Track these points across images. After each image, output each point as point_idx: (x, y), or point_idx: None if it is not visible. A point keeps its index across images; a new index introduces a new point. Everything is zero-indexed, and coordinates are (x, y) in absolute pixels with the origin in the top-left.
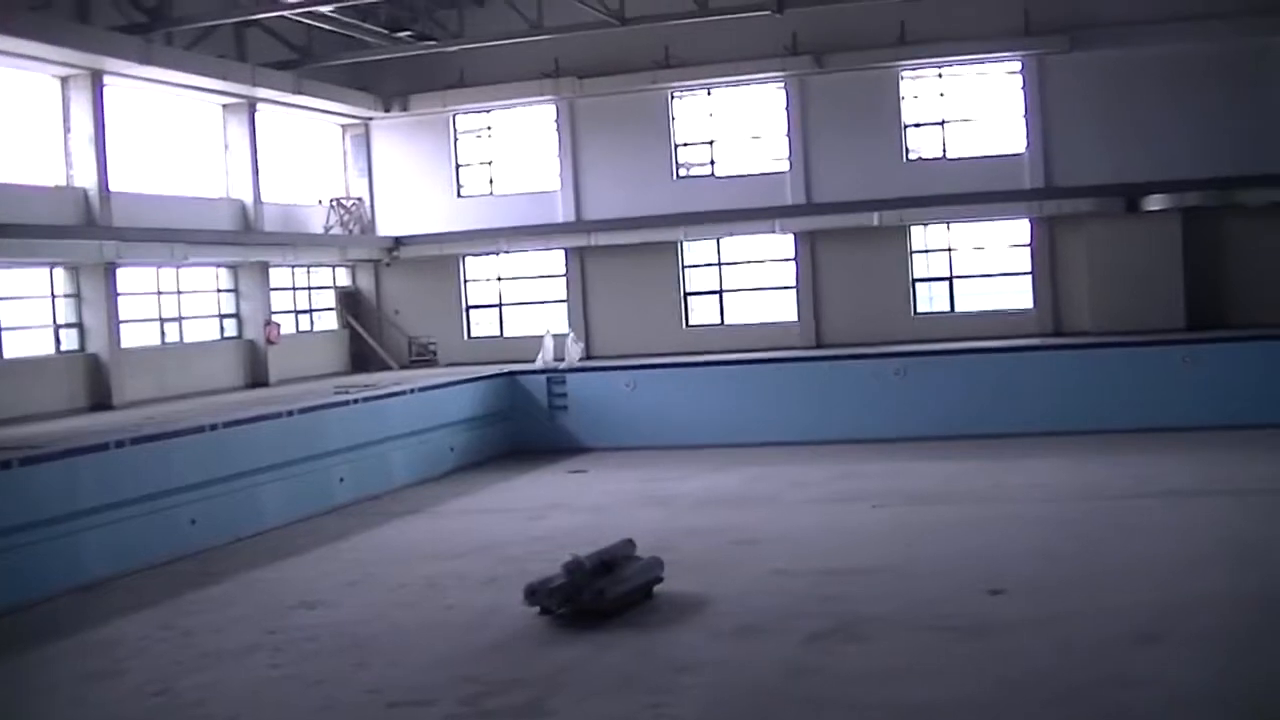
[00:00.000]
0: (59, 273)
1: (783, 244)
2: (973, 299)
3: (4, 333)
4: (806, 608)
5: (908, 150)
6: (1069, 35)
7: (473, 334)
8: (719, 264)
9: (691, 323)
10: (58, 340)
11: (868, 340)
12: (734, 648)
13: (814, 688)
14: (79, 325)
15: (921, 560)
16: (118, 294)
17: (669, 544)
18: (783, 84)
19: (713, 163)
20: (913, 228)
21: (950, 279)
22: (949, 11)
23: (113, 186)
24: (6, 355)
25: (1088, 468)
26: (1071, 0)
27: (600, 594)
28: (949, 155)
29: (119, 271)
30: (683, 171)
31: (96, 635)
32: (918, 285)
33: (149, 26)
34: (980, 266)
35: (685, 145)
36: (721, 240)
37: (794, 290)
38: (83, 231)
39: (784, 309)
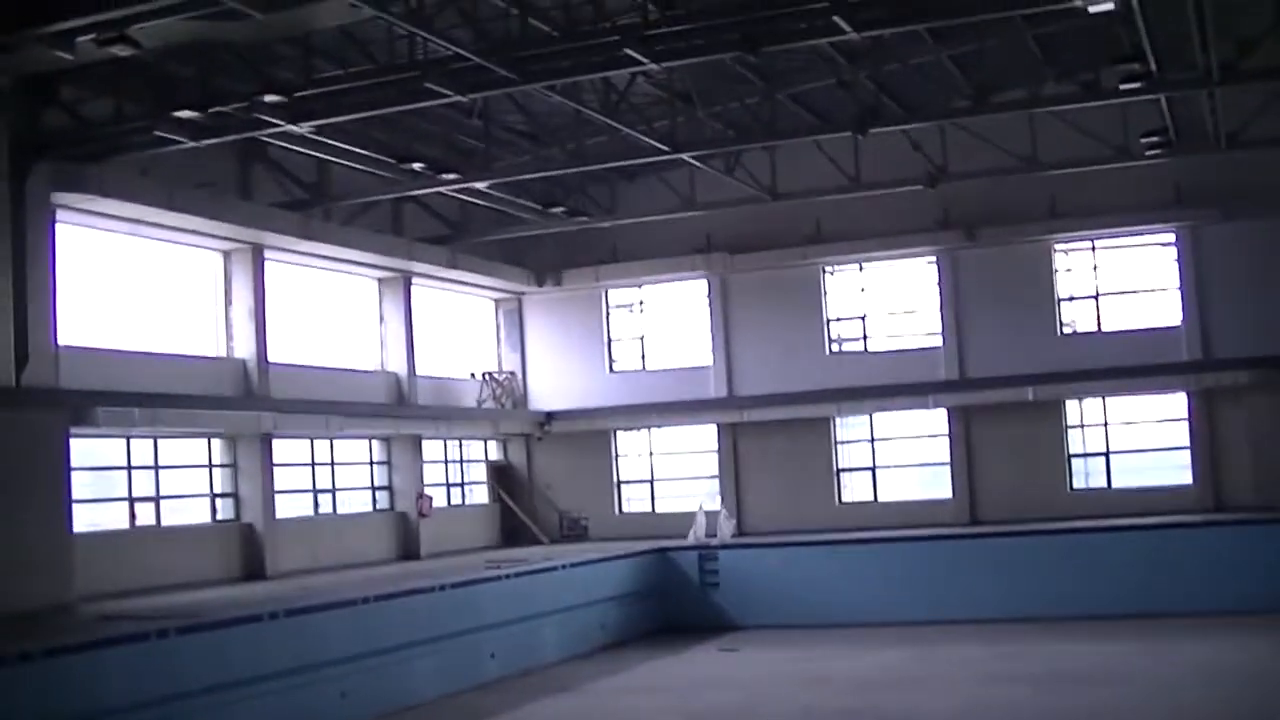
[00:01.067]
0: (216, 442)
1: (936, 419)
2: (1130, 475)
3: (162, 501)
4: None
5: (1062, 323)
6: (1221, 206)
7: (624, 509)
8: (872, 439)
9: (845, 499)
10: (214, 509)
11: (1023, 516)
12: None
13: None
14: (235, 495)
15: None
16: (273, 464)
17: None
18: (934, 258)
19: (865, 337)
20: (1068, 402)
21: (1107, 454)
22: (1101, 184)
23: (271, 358)
24: (165, 523)
25: (1255, 651)
26: (1222, 171)
27: None
28: (1104, 328)
29: (275, 442)
30: (835, 346)
31: None
32: (1074, 460)
33: (308, 203)
34: (1138, 441)
35: (837, 320)
36: (874, 415)
37: (948, 466)
38: (241, 403)
39: (938, 485)
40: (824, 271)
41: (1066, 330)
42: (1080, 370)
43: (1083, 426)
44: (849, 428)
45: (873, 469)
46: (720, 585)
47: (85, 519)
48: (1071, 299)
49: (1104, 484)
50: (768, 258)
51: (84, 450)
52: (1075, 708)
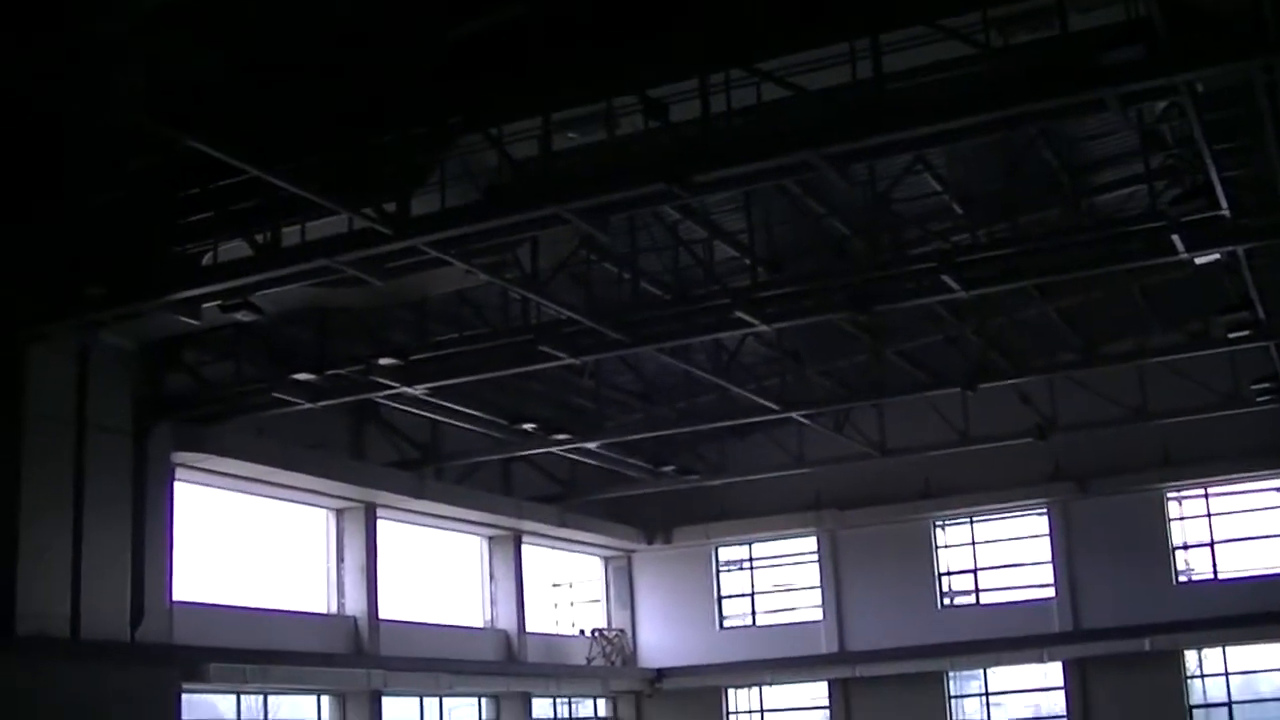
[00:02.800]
0: (325, 699)
1: (1051, 672)
2: None
3: None
4: None
5: (1178, 572)
6: None
7: None
8: (986, 693)
9: None
10: None
11: None
12: None
13: None
14: None
15: None
16: None
17: None
18: (1045, 509)
19: (977, 590)
20: (1187, 652)
21: (1230, 704)
22: (1212, 431)
23: (381, 615)
24: None
25: None
26: None
27: None
28: (1220, 576)
29: (385, 699)
30: (947, 600)
31: None
32: (1195, 711)
33: (420, 462)
34: (1261, 690)
35: (949, 573)
36: (988, 670)
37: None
38: (351, 660)
39: None
40: (934, 525)
41: (1183, 579)
42: (1198, 619)
43: (1203, 676)
44: (963, 680)
45: None
46: None
47: None
48: (1186, 547)
49: None
50: (878, 513)
51: (196, 704)
52: None
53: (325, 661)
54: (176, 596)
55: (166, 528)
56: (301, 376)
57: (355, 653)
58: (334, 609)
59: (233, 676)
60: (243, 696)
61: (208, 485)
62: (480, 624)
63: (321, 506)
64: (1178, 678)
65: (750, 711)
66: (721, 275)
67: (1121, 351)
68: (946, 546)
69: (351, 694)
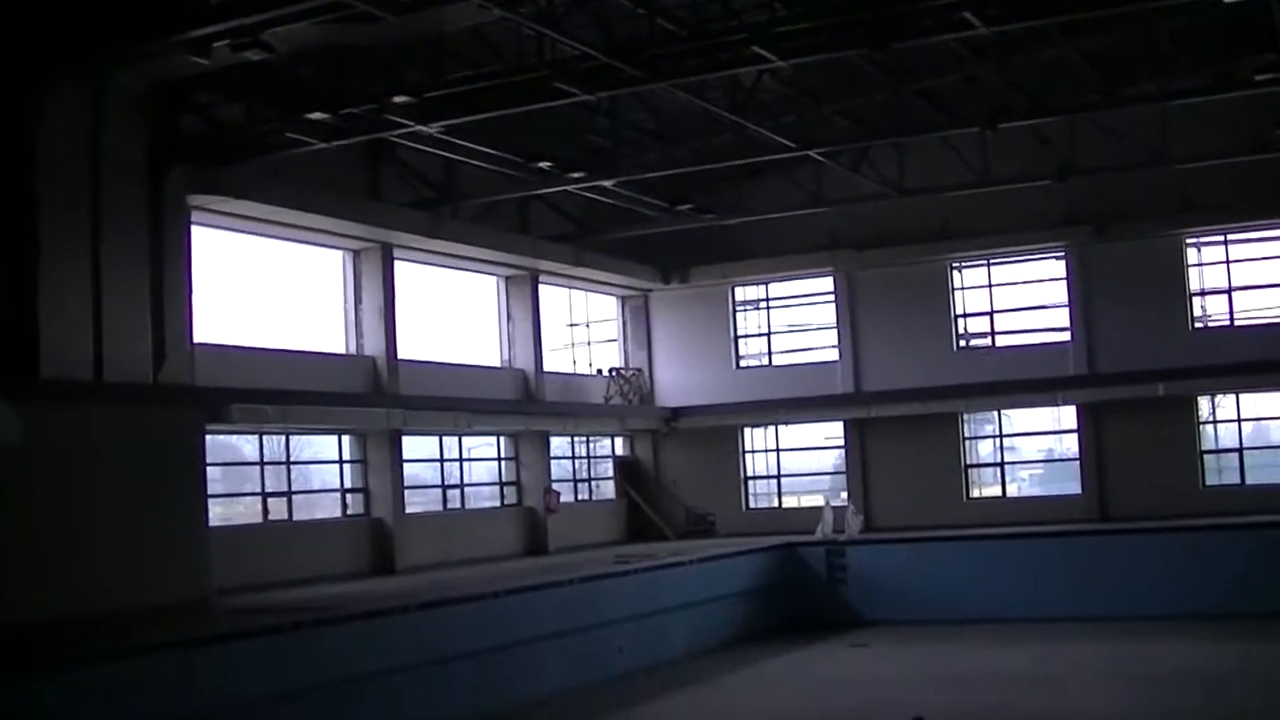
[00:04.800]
0: (347, 438)
1: (1065, 415)
2: (1265, 472)
3: (294, 496)
4: None
5: (1194, 318)
6: None
7: (751, 504)
8: (1000, 435)
9: (973, 495)
10: (344, 504)
11: (1155, 513)
12: None
13: None
14: (365, 490)
15: None
16: (403, 460)
17: None
18: (1063, 253)
19: (993, 333)
20: (1200, 398)
21: (1240, 450)
22: (1233, 177)
23: (400, 355)
24: (296, 517)
25: None
26: None
27: None
28: (1237, 322)
29: (404, 438)
30: (963, 342)
31: None
32: (1206, 457)
33: (436, 202)
34: (1272, 436)
35: (965, 316)
36: (1002, 411)
37: (1077, 462)
38: (371, 399)
39: (1067, 481)
40: (951, 267)
41: (1199, 325)
42: (1213, 365)
43: (1215, 422)
44: (977, 424)
45: (1000, 465)
46: (848, 581)
47: (219, 514)
48: (1203, 293)
49: (1237, 480)
50: (895, 254)
51: (218, 446)
52: (1217, 711)
53: (345, 401)
54: (197, 339)
55: (185, 271)
56: (315, 116)
57: (375, 392)
58: (353, 349)
59: (255, 417)
60: (265, 436)
61: (224, 229)
62: (498, 364)
63: (338, 248)
64: (1190, 423)
65: (766, 450)
66: (739, 9)
67: (1144, 94)
68: (963, 288)
69: (372, 433)
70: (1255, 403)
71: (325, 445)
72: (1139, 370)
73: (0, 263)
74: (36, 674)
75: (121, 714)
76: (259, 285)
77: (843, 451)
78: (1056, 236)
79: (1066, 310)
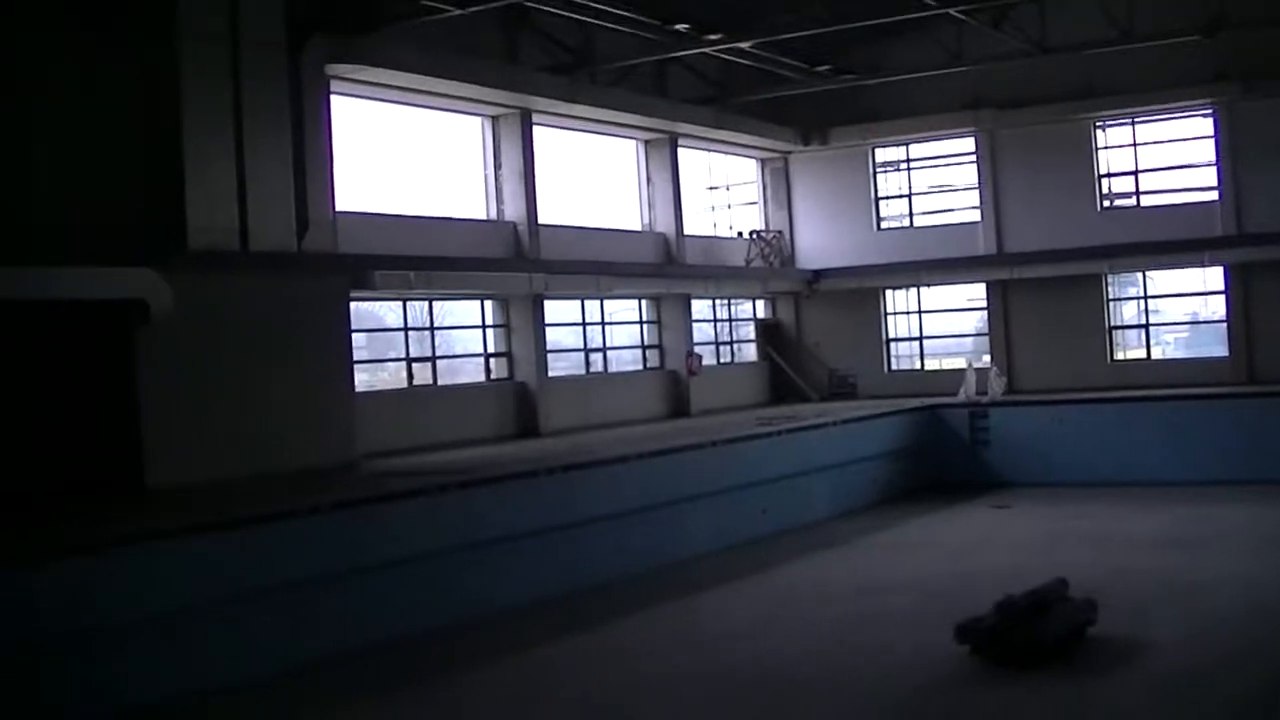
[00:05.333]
0: (489, 304)
1: (1212, 276)
2: None
3: (438, 361)
4: (1252, 660)
5: None
6: None
7: (893, 367)
8: (1145, 296)
9: (1116, 357)
10: (488, 369)
11: None
12: (1173, 698)
13: None
14: (508, 355)
15: None
16: (545, 324)
17: (1100, 585)
18: (1210, 111)
19: (1138, 193)
20: None
21: None
22: None
23: (540, 220)
24: (442, 382)
25: None
26: None
27: (1033, 635)
28: None
29: (546, 303)
30: (1107, 203)
31: (520, 662)
32: None
33: (573, 67)
34: None
35: (1109, 176)
36: (1147, 272)
37: (1224, 324)
38: (512, 264)
39: (1214, 343)
40: (1095, 126)
41: None
42: None
43: None
44: (1121, 285)
45: (1145, 326)
46: (991, 443)
47: (363, 380)
48: None
49: None
50: (1037, 113)
51: (363, 312)
52: None
53: (487, 266)
54: (340, 207)
55: (325, 140)
56: None
57: (516, 257)
58: (494, 215)
59: (398, 283)
60: (408, 303)
61: (363, 97)
62: (638, 227)
63: (477, 114)
64: None
65: (907, 312)
66: None
67: None
68: (1107, 148)
69: (514, 298)
70: None
71: (468, 311)
72: None
73: (146, 136)
74: (190, 536)
75: (270, 575)
76: (399, 153)
77: (985, 313)
78: (1203, 94)
79: (1214, 169)
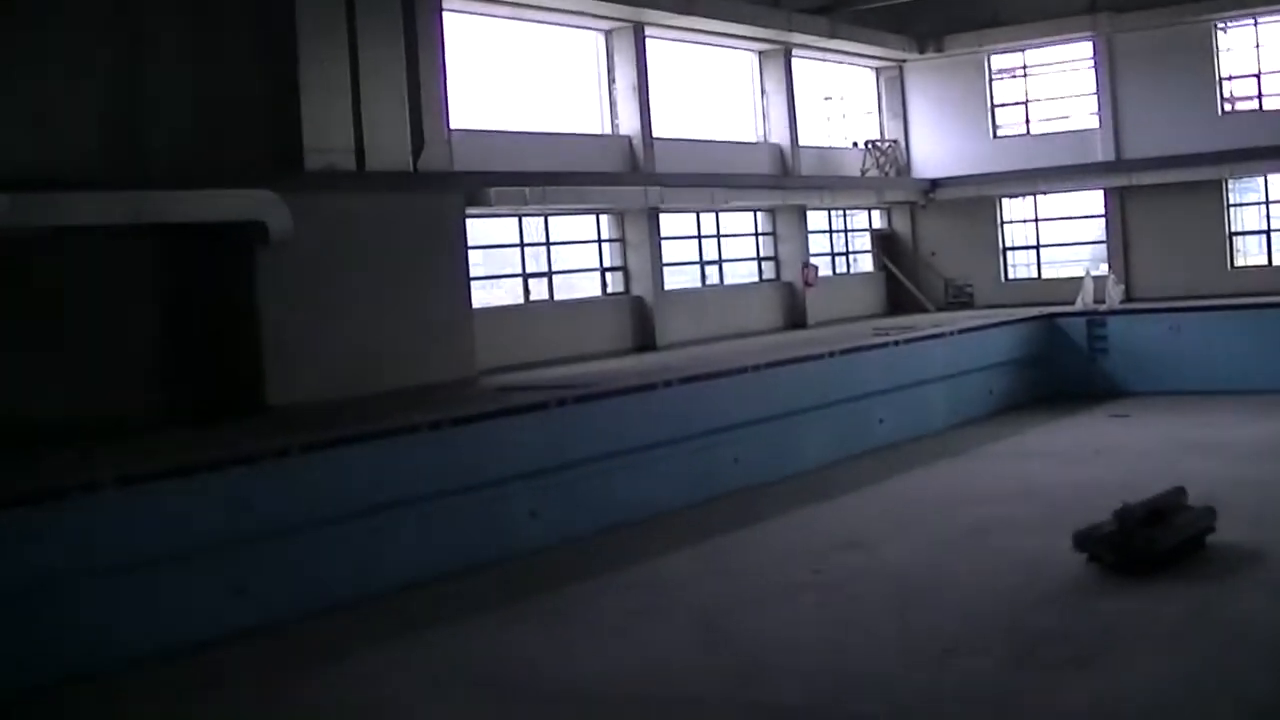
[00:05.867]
0: (604, 218)
1: None
2: None
3: (554, 276)
4: None
5: None
6: None
7: (1010, 276)
8: (1267, 201)
9: (1237, 264)
10: (604, 283)
11: None
12: None
13: None
14: (624, 269)
15: None
16: (660, 238)
17: (1219, 494)
18: None
19: (1260, 95)
20: None
21: None
22: None
23: (655, 134)
24: (558, 297)
25: None
26: None
27: (1152, 543)
28: None
29: (661, 216)
30: (1228, 107)
31: (640, 572)
32: None
33: None
34: None
35: (1230, 79)
36: (1269, 177)
37: None
38: (627, 178)
39: None
40: (1216, 28)
41: None
42: None
43: None
44: (1242, 190)
45: (1267, 233)
46: (1109, 351)
47: (481, 297)
48: None
49: None
50: (1156, 15)
51: (479, 228)
52: None
53: (602, 181)
54: (454, 125)
55: (439, 57)
56: None
57: (631, 171)
58: (608, 129)
59: (513, 200)
60: (524, 219)
61: (475, 13)
62: (753, 139)
63: (590, 28)
64: None
65: (1025, 220)
66: None
67: None
68: (1229, 50)
69: (629, 212)
70: None
71: (583, 226)
72: None
73: (262, 57)
74: (306, 452)
75: (388, 489)
76: (512, 69)
77: (1103, 221)
78: None
79: None
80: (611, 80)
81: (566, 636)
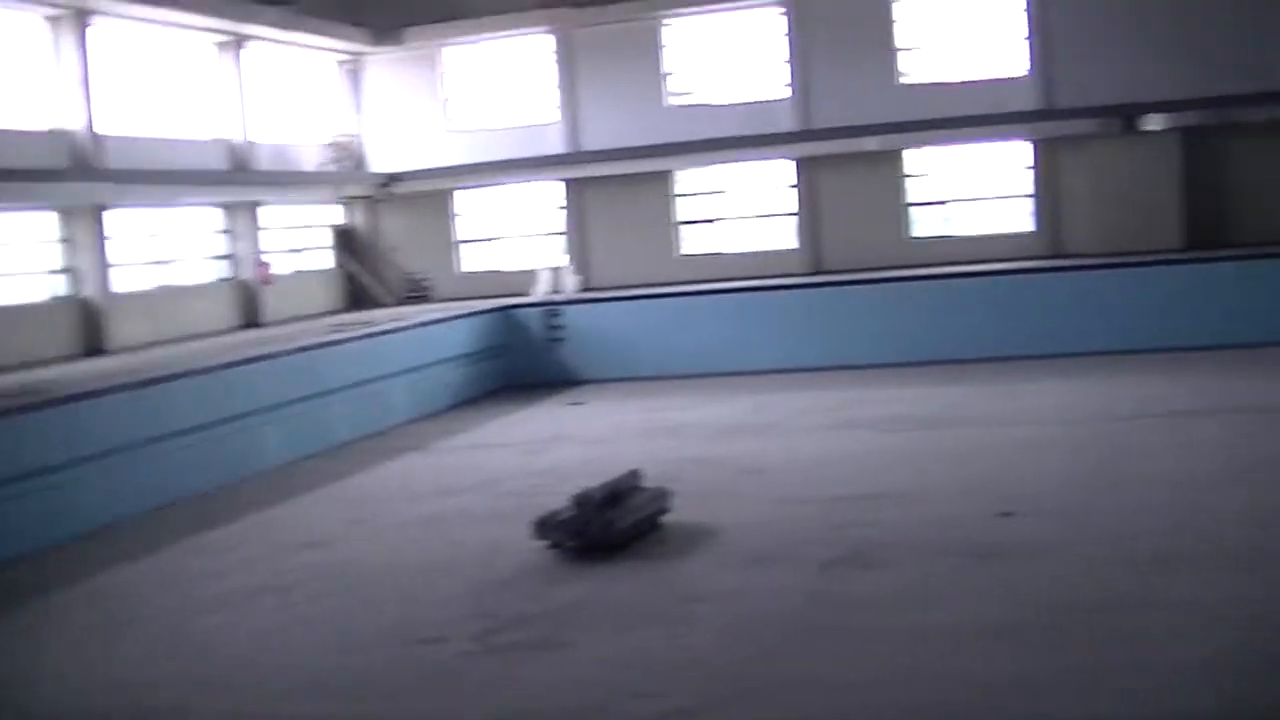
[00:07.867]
0: (50, 217)
1: (783, 170)
2: (972, 223)
3: None
4: (817, 535)
5: (901, 74)
6: None
7: (468, 268)
8: (711, 192)
9: (685, 251)
10: (47, 287)
11: (868, 265)
12: (745, 577)
13: (829, 615)
14: (71, 270)
15: (930, 485)
16: (107, 237)
17: (674, 475)
18: (784, 8)
19: (708, 91)
20: (906, 152)
21: (945, 203)
22: None
23: (104, 129)
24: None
25: (1090, 390)
26: None
27: (609, 526)
28: (946, 78)
29: (111, 215)
30: (676, 100)
31: (100, 583)
32: (913, 209)
33: None
34: (980, 190)
35: (675, 74)
36: (723, 168)
37: (795, 217)
38: (72, 174)
39: (787, 236)
40: (662, 24)
41: (908, 81)
42: (922, 120)
43: (925, 176)
44: (692, 180)
45: (711, 221)
46: (566, 340)
47: None
48: (913, 49)
49: (945, 232)
50: (612, 11)
51: None
52: (923, 449)
53: (46, 177)
54: None
55: None
56: None
57: (76, 167)
58: (53, 124)
59: None
60: None
61: None
62: (208, 135)
63: (34, 14)
64: (899, 176)
65: (482, 213)
66: None
67: None
68: (674, 46)
69: (76, 210)
70: (965, 155)
71: (27, 224)
72: (851, 125)
73: None
74: None
75: None
76: None
77: (563, 212)
78: None
79: (787, 66)
80: (57, 71)
81: (23, 656)
